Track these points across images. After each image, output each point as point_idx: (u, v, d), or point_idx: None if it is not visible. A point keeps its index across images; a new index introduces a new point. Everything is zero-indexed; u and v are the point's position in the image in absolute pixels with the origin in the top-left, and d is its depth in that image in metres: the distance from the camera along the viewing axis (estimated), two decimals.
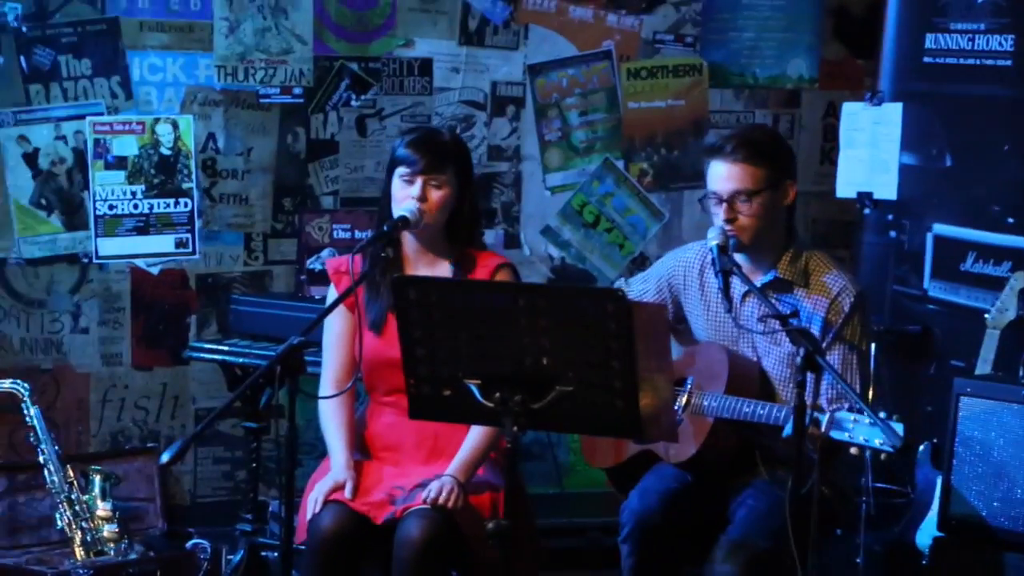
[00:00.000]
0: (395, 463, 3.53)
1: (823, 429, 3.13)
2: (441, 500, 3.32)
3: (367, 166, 5.06)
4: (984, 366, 4.24)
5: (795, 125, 5.39)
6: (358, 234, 4.85)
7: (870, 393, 3.53)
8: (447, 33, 5.09)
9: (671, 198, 5.31)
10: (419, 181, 3.45)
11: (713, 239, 3.42)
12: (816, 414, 3.14)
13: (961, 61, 4.87)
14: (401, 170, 3.47)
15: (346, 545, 3.35)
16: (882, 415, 3.06)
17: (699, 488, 3.53)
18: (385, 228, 3.41)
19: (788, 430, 3.23)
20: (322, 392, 3.54)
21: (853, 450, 3.13)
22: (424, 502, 3.33)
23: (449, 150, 3.50)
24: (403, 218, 3.43)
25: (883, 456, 3.08)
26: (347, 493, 3.39)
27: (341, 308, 3.52)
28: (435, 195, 3.46)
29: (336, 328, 3.57)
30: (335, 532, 3.34)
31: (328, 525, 3.34)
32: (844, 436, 3.13)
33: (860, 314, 3.47)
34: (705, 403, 3.44)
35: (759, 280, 3.50)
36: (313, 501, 3.40)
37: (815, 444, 3.14)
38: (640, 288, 3.76)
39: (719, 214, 3.47)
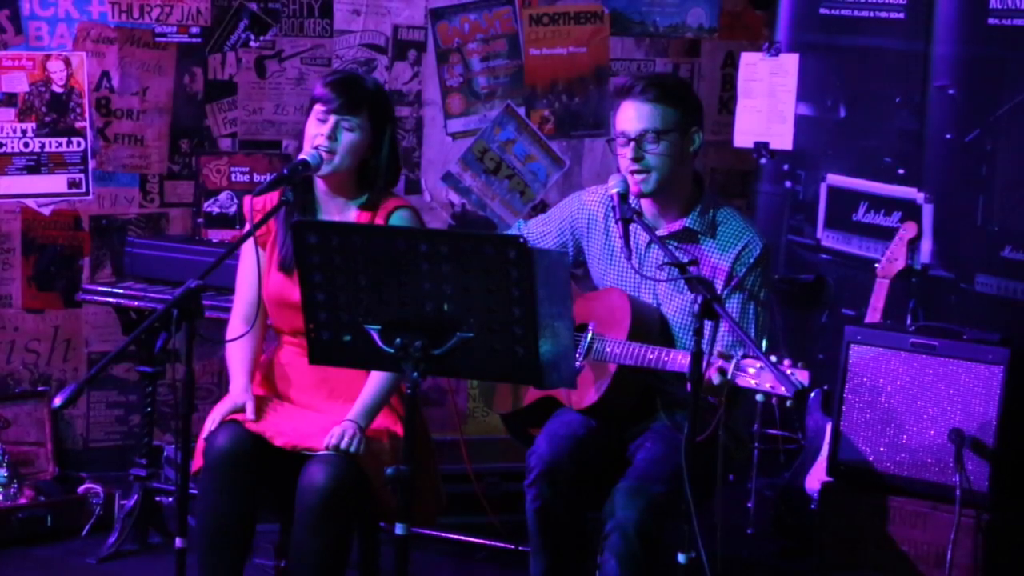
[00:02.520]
0: (293, 401, 3.53)
1: (729, 375, 3.16)
2: (343, 445, 3.32)
3: (266, 108, 4.99)
4: (874, 314, 4.34)
5: (694, 74, 5.42)
6: (257, 177, 4.79)
7: (764, 343, 3.56)
8: None
9: (572, 145, 5.32)
10: (332, 120, 3.45)
11: (614, 187, 3.43)
12: (723, 362, 3.16)
13: (856, 13, 4.93)
14: (317, 107, 3.47)
15: (242, 463, 3.34)
16: (787, 361, 3.09)
17: (602, 433, 3.56)
18: (285, 171, 3.39)
19: None
20: (231, 324, 3.56)
21: (759, 396, 3.15)
22: (326, 447, 3.33)
23: (367, 95, 3.49)
24: (304, 162, 3.43)
25: (788, 403, 3.11)
26: (249, 414, 3.38)
27: (255, 245, 3.51)
28: (346, 137, 3.46)
29: (249, 264, 3.56)
30: (230, 450, 3.33)
31: (223, 443, 3.34)
32: (751, 383, 3.17)
33: (763, 267, 3.50)
34: (608, 349, 3.46)
35: (667, 229, 3.53)
36: (211, 421, 3.40)
37: (722, 391, 3.17)
38: (541, 230, 3.75)
39: (626, 155, 3.47)
